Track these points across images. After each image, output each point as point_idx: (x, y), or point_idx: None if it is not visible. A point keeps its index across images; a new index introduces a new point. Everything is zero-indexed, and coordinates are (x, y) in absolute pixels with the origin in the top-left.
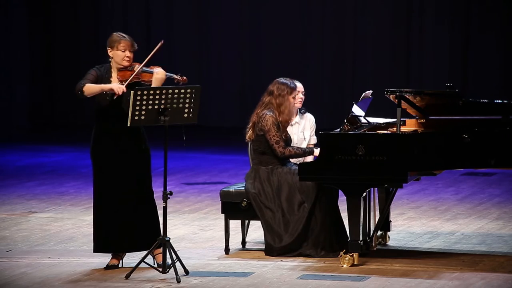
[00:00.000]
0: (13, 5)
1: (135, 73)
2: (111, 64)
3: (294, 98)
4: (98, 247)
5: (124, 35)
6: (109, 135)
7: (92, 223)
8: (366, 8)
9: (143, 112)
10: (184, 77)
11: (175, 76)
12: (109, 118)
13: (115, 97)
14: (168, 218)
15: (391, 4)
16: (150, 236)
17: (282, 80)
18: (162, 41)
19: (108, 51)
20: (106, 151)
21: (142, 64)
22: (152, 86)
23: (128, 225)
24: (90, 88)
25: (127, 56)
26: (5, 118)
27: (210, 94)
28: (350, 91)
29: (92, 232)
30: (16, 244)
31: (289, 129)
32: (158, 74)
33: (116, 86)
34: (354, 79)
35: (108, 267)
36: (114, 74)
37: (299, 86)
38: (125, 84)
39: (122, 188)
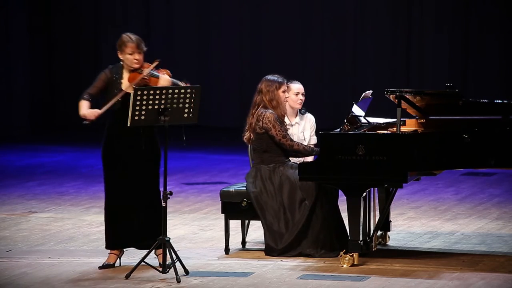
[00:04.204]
0: (13, 5)
1: (141, 76)
2: (123, 64)
3: (284, 92)
4: (110, 244)
5: (131, 36)
6: (120, 136)
7: (103, 221)
8: (366, 8)
9: (143, 112)
10: (188, 84)
11: (179, 82)
12: (120, 119)
13: (83, 122)
14: (168, 218)
15: (391, 4)
16: (158, 235)
17: (269, 76)
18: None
19: (118, 53)
20: (116, 152)
21: (150, 68)
22: None
23: (137, 223)
24: (79, 106)
25: (135, 59)
26: (5, 118)
27: (210, 94)
28: (350, 91)
29: (104, 229)
30: (16, 244)
31: (289, 129)
32: (162, 80)
33: (88, 112)
34: (354, 79)
35: (104, 266)
36: (126, 75)
37: (299, 87)
38: (101, 111)
39: (131, 188)
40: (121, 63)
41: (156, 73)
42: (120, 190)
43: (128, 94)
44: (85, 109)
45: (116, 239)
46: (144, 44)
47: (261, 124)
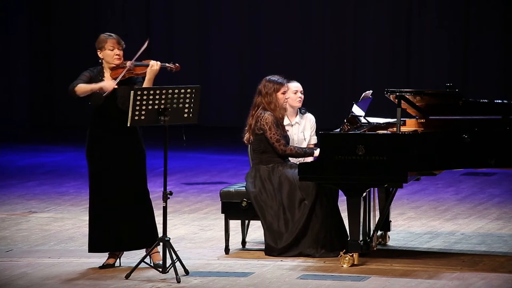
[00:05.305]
0: (13, 5)
1: (126, 68)
2: (103, 66)
3: (283, 93)
4: (93, 247)
5: (110, 34)
6: (105, 135)
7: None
8: (366, 8)
9: (143, 112)
10: (177, 64)
11: (167, 64)
12: (104, 117)
13: (104, 94)
14: (168, 218)
15: (391, 4)
16: (147, 235)
17: (269, 77)
18: (148, 40)
19: (98, 53)
20: (101, 151)
21: (133, 59)
22: (146, 77)
23: (124, 225)
24: (82, 88)
25: (116, 54)
26: (5, 118)
27: (210, 94)
28: (350, 91)
29: (88, 232)
30: (16, 244)
31: (289, 129)
32: (153, 66)
33: (106, 83)
34: (354, 79)
35: (104, 266)
36: (107, 74)
37: (297, 85)
38: (117, 81)
39: (117, 188)
40: (100, 67)
41: (142, 63)
42: (105, 191)
43: (112, 91)
44: (93, 84)
45: (100, 243)
46: (124, 42)
47: (259, 125)
